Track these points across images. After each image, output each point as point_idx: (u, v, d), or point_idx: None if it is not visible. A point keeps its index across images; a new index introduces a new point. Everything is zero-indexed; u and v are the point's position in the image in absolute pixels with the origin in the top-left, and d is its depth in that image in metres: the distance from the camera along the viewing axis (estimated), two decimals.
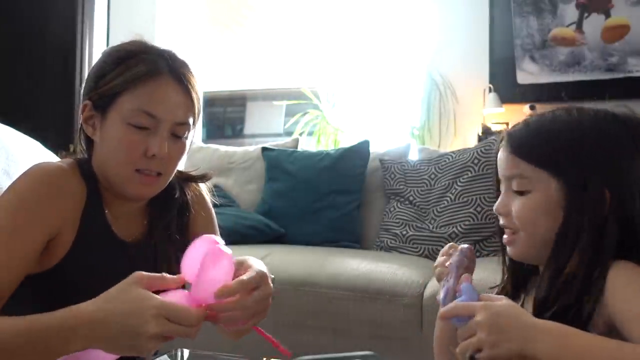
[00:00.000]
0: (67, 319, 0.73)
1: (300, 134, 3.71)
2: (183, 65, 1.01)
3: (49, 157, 2.16)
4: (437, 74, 3.71)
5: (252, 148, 2.77)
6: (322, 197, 2.41)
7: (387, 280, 1.80)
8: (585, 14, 3.52)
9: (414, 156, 2.64)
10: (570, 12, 3.54)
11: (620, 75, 3.46)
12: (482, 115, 3.65)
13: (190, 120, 0.99)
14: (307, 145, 3.65)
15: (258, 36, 4.45)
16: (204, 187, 1.14)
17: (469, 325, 0.69)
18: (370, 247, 2.36)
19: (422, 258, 2.13)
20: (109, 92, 0.96)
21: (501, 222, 0.84)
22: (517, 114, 3.63)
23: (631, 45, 3.43)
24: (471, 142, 3.52)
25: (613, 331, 0.69)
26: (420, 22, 3.93)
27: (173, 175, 1.03)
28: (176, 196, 1.07)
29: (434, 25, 3.83)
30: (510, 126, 3.10)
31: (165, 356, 0.98)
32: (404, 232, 2.23)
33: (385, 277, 1.81)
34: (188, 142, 1.02)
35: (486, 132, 3.54)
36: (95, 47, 4.29)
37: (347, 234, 2.35)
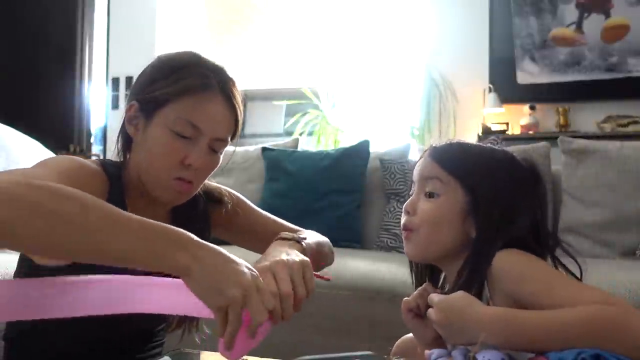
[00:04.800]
0: (186, 236, 0.74)
1: (300, 134, 3.71)
2: (232, 82, 1.03)
3: (49, 157, 2.15)
4: (436, 74, 3.71)
5: (252, 148, 2.77)
6: (322, 197, 2.41)
7: (387, 280, 1.80)
8: (585, 14, 3.52)
9: (414, 156, 2.64)
10: (570, 12, 3.54)
11: (620, 75, 3.46)
12: (482, 115, 3.65)
13: (229, 138, 1.02)
14: (307, 145, 3.65)
15: (258, 36, 4.45)
16: (234, 192, 1.19)
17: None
18: (370, 247, 2.36)
19: None
20: (158, 98, 0.98)
21: (403, 220, 0.91)
22: (517, 114, 3.64)
23: (631, 45, 3.43)
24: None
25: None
26: (420, 22, 3.93)
27: (200, 186, 1.05)
28: (200, 208, 1.10)
29: (434, 25, 3.83)
30: (509, 125, 3.10)
31: (167, 357, 0.98)
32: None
33: (385, 277, 1.81)
34: (221, 158, 1.04)
35: (486, 132, 3.54)
36: (95, 47, 4.29)
37: (347, 234, 2.35)
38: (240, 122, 1.04)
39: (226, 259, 0.74)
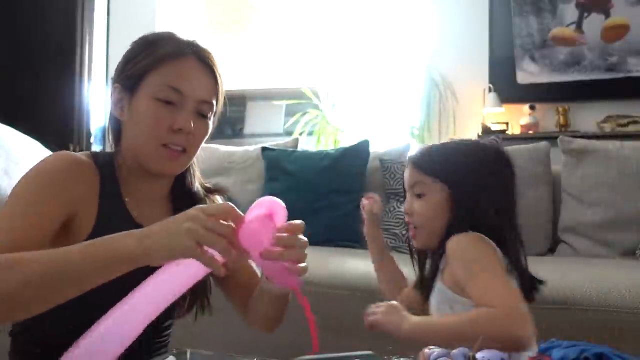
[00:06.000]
0: (130, 231, 0.80)
1: (300, 134, 3.71)
2: (207, 50, 1.07)
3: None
4: (437, 74, 3.71)
5: (252, 148, 2.77)
6: (322, 197, 2.41)
7: None
8: (585, 14, 3.52)
9: None
10: (570, 12, 3.54)
11: (620, 75, 3.46)
12: (482, 115, 3.65)
13: (214, 101, 1.05)
14: (307, 145, 3.65)
15: (258, 36, 4.46)
16: (220, 199, 1.19)
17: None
18: None
19: None
20: (137, 73, 1.01)
21: (406, 219, 1.10)
22: (517, 114, 3.64)
23: (631, 45, 3.43)
24: None
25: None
26: (420, 22, 3.93)
27: (195, 155, 1.07)
28: (198, 195, 1.12)
29: (434, 25, 3.83)
30: (509, 125, 3.16)
31: (172, 357, 0.98)
32: (404, 232, 2.23)
33: None
34: (211, 124, 1.06)
35: (486, 132, 3.54)
36: (95, 47, 4.29)
37: (347, 234, 2.35)
38: (221, 85, 1.07)
39: (168, 219, 0.79)
